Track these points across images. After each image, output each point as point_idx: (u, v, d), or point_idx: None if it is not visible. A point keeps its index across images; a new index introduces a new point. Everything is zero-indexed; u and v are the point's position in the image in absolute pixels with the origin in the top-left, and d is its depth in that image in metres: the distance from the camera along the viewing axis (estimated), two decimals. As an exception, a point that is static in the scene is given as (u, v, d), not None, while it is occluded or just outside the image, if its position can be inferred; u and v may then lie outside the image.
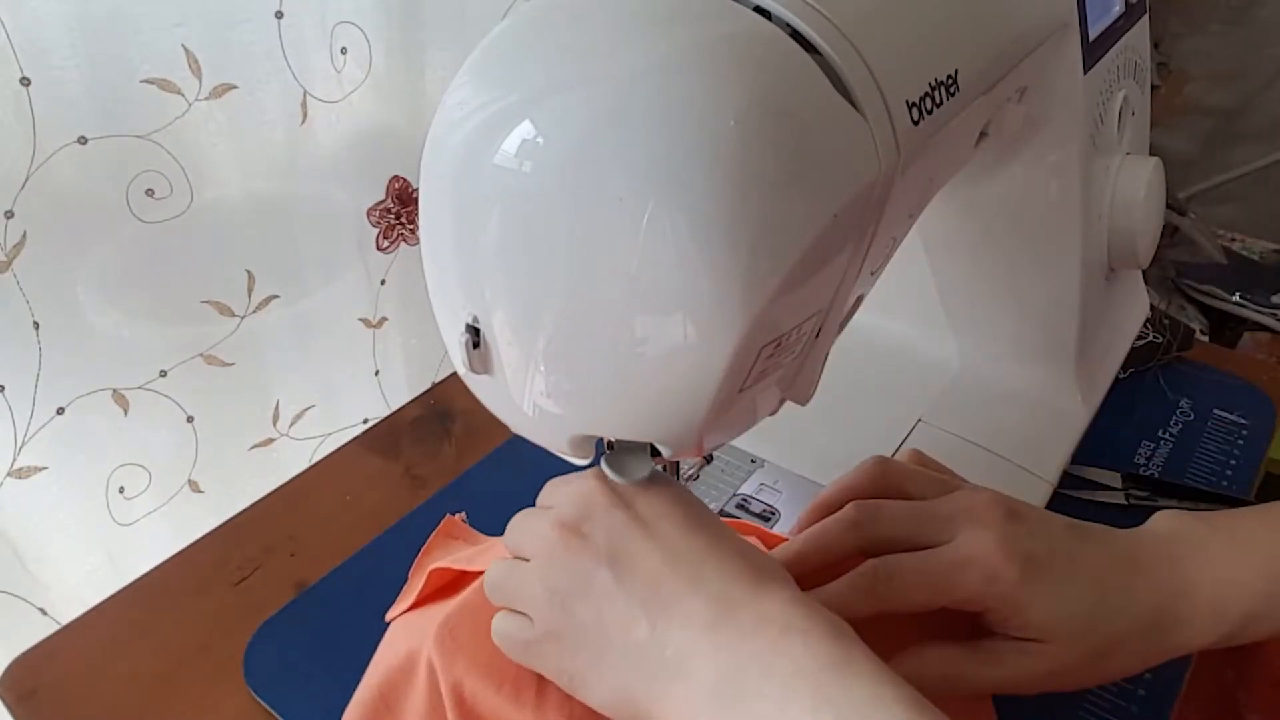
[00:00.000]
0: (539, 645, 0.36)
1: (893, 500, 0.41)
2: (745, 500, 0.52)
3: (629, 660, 0.34)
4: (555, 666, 0.36)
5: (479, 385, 0.35)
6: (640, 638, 0.33)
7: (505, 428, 0.36)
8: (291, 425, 0.85)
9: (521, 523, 0.39)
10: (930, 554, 0.39)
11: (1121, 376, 0.64)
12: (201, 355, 0.75)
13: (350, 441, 0.67)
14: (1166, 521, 0.41)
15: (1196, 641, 0.39)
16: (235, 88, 0.68)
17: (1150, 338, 0.68)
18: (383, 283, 0.87)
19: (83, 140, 0.61)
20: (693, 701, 0.32)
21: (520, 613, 0.37)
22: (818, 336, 0.35)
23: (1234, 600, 0.38)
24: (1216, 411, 0.67)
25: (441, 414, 0.69)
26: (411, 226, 0.86)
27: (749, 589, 0.33)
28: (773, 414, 0.38)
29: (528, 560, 0.37)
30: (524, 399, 0.34)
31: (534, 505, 0.40)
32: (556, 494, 0.39)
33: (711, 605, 0.33)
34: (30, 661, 0.51)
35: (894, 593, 0.38)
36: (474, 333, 0.32)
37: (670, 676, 0.33)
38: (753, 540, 0.43)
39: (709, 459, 0.47)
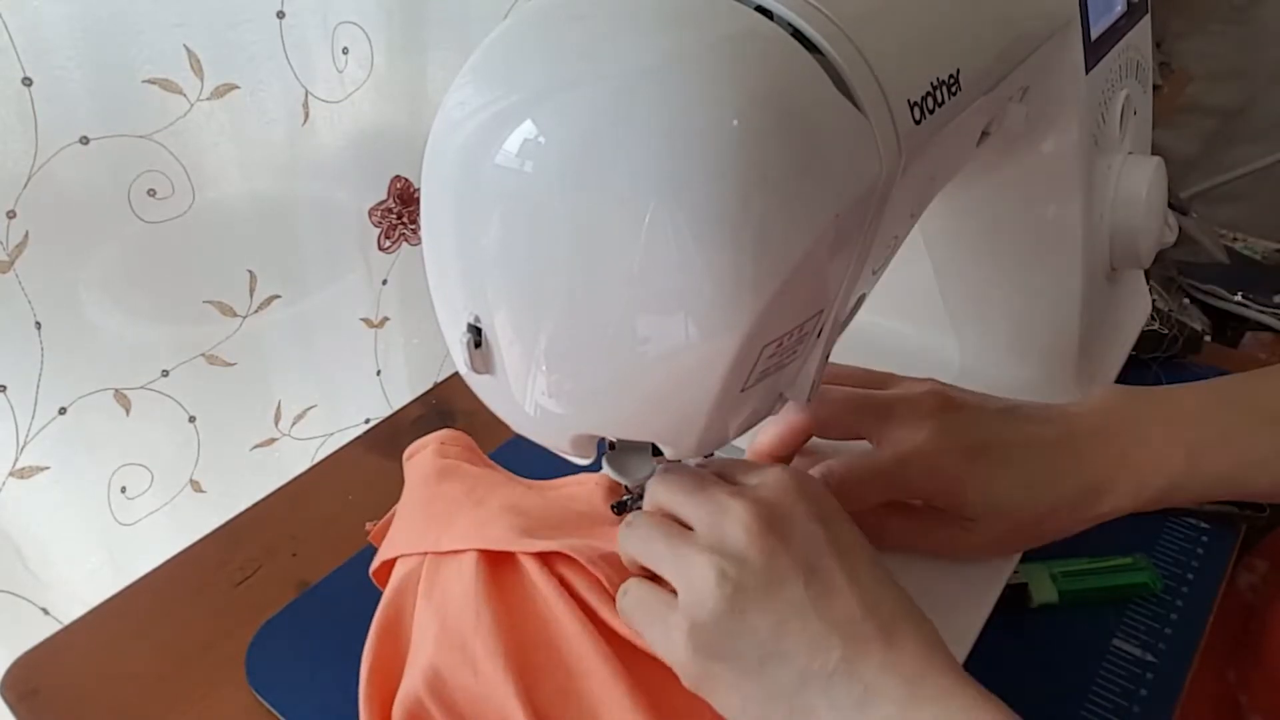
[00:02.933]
0: (676, 621, 0.34)
1: (837, 386, 0.44)
2: (747, 500, 0.51)
3: (808, 682, 0.32)
4: (685, 659, 0.34)
5: (480, 385, 0.35)
6: (832, 665, 0.32)
7: (507, 427, 0.36)
8: (293, 425, 0.85)
9: (696, 488, 0.36)
10: (873, 457, 0.42)
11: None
12: (203, 355, 0.75)
13: (352, 441, 0.67)
14: (1105, 396, 0.43)
15: (1119, 509, 0.41)
16: (237, 88, 0.68)
17: (1156, 328, 0.68)
18: (384, 282, 0.87)
19: (85, 140, 0.61)
20: None
21: (652, 581, 0.35)
22: (819, 336, 0.35)
23: (1159, 472, 0.40)
24: (1218, 411, 0.67)
25: (443, 414, 0.69)
26: (413, 226, 0.86)
27: (941, 655, 0.33)
28: (774, 414, 0.38)
29: (690, 532, 0.35)
30: (525, 399, 0.34)
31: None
32: (746, 476, 0.37)
33: (907, 661, 0.32)
34: (32, 661, 0.51)
35: (846, 497, 0.38)
36: (475, 332, 0.32)
37: (854, 708, 0.32)
38: None
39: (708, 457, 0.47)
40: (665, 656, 0.35)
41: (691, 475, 0.37)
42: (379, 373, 0.92)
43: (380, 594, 0.46)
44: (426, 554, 0.43)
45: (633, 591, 0.37)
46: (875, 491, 0.42)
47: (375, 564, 0.46)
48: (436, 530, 0.43)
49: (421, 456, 0.49)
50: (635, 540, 0.36)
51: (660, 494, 0.37)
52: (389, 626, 0.43)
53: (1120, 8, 0.52)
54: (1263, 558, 0.54)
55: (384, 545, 0.47)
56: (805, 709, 0.32)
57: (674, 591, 0.34)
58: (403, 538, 0.45)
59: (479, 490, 0.44)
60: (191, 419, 0.77)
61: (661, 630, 0.35)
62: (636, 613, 0.36)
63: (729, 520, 0.34)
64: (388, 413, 0.73)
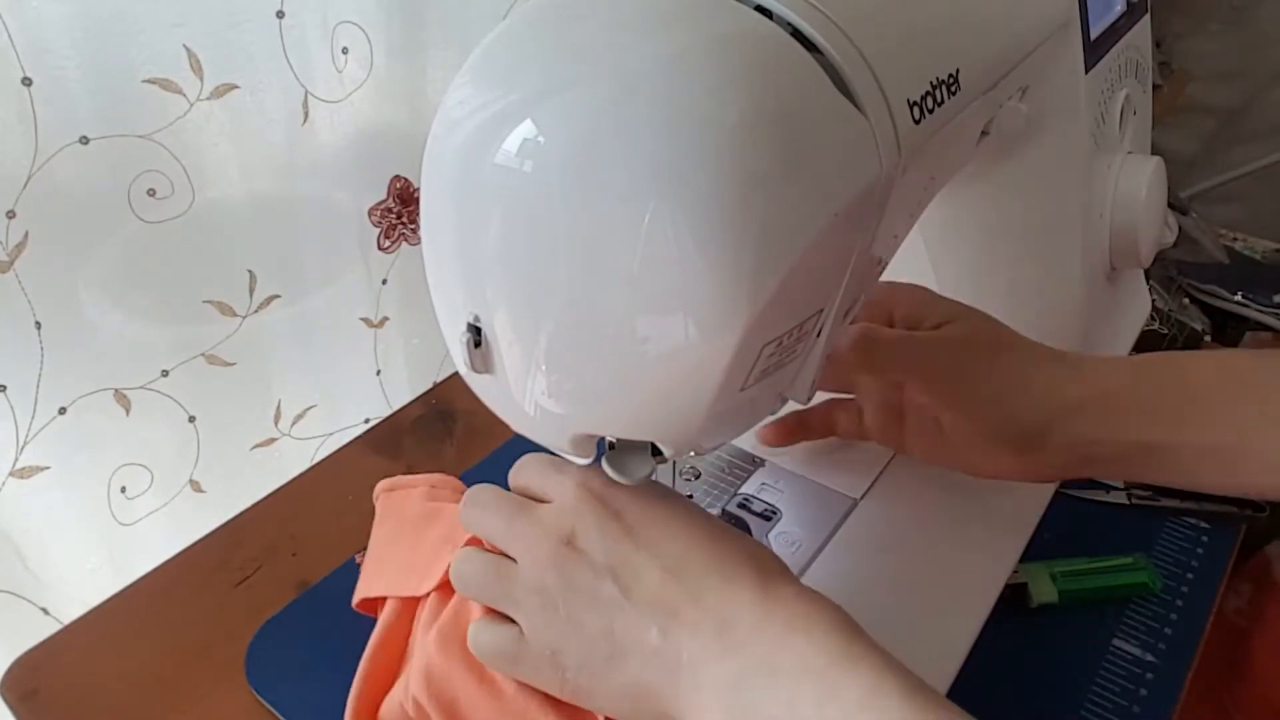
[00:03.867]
0: (533, 656, 0.36)
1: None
2: (747, 500, 0.52)
3: (644, 664, 0.34)
4: (553, 676, 0.36)
5: (480, 385, 0.35)
6: (654, 643, 0.34)
7: (507, 427, 0.36)
8: (293, 425, 0.85)
9: (502, 516, 0.38)
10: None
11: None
12: (203, 355, 0.75)
13: (352, 441, 0.67)
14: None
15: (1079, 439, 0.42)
16: (237, 87, 0.68)
17: (1156, 327, 0.68)
18: (384, 282, 0.87)
19: (84, 140, 0.61)
20: (708, 703, 0.33)
21: (503, 618, 0.37)
22: (819, 335, 0.35)
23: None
24: (1218, 411, 0.67)
25: (443, 414, 0.69)
26: (413, 226, 0.86)
27: (749, 590, 0.34)
28: (774, 413, 0.38)
29: (510, 559, 0.37)
30: (525, 398, 0.34)
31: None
32: (532, 481, 0.39)
33: (713, 613, 0.34)
34: (32, 661, 0.51)
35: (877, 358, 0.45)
36: (475, 332, 0.32)
37: (685, 679, 0.34)
38: None
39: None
40: (538, 682, 0.37)
41: (494, 503, 0.39)
42: (379, 372, 0.92)
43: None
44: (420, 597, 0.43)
45: (478, 636, 0.38)
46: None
47: (358, 598, 0.47)
48: (417, 578, 0.44)
49: (409, 495, 0.48)
50: (469, 584, 0.38)
51: (474, 526, 0.39)
52: (382, 651, 0.43)
53: (1120, 7, 0.52)
54: (1248, 580, 0.54)
55: (365, 578, 0.47)
56: (654, 691, 0.34)
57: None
58: (387, 578, 0.45)
59: (457, 535, 0.44)
60: (191, 419, 0.77)
61: (514, 662, 0.37)
62: (492, 658, 0.38)
63: (538, 556, 0.36)
64: (387, 412, 0.73)
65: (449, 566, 0.40)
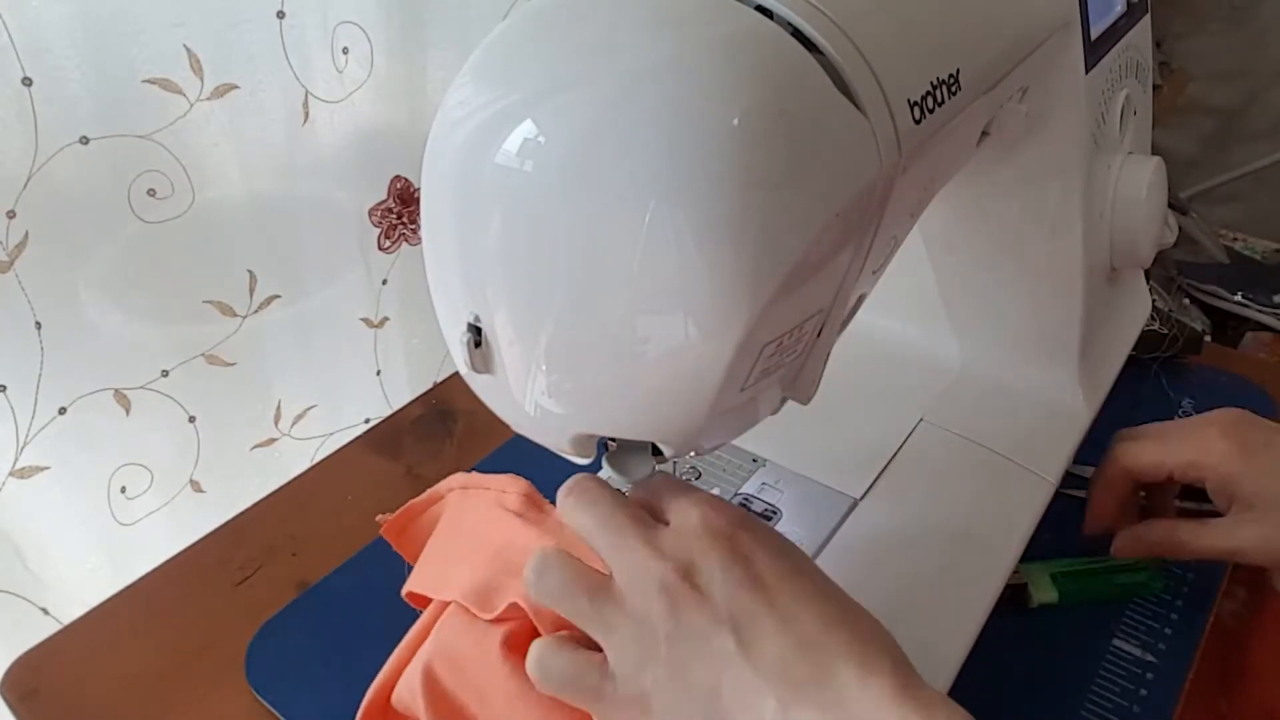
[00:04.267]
0: (618, 697, 0.32)
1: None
2: (747, 500, 0.52)
3: None
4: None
5: (480, 385, 0.35)
6: (768, 716, 0.30)
7: (507, 427, 0.36)
8: (293, 425, 0.85)
9: (609, 519, 0.34)
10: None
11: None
12: (203, 355, 0.75)
13: (352, 441, 0.67)
14: None
15: None
16: (237, 88, 0.68)
17: (1156, 327, 0.68)
18: (384, 282, 0.87)
19: (84, 140, 0.61)
20: None
21: (581, 643, 0.34)
22: (819, 336, 0.35)
23: None
24: (1219, 411, 0.67)
25: (443, 414, 0.69)
26: (413, 226, 0.86)
27: (888, 685, 0.30)
28: (774, 413, 0.38)
29: (611, 583, 0.33)
30: (525, 398, 0.34)
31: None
32: (652, 496, 0.35)
33: (846, 704, 0.30)
34: (32, 661, 0.51)
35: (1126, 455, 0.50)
36: (475, 332, 0.32)
37: None
38: None
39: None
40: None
41: (607, 507, 0.35)
42: (379, 372, 0.92)
43: (385, 604, 0.46)
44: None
45: (550, 660, 0.34)
46: (1151, 455, 0.49)
47: (407, 589, 0.45)
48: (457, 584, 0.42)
49: (480, 498, 0.45)
50: (552, 592, 0.34)
51: (576, 522, 0.35)
52: (407, 647, 0.43)
53: (1120, 7, 0.52)
54: (1242, 584, 0.54)
55: (417, 574, 0.45)
56: None
57: (594, 646, 0.33)
58: (431, 578, 0.44)
59: (512, 551, 0.42)
60: (191, 419, 0.77)
61: (594, 698, 0.33)
62: (565, 688, 0.33)
63: (647, 583, 0.32)
64: (388, 413, 0.73)
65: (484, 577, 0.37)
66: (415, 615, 0.45)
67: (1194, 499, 0.54)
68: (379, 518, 0.46)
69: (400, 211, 0.85)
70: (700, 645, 0.31)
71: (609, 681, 0.32)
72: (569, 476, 0.38)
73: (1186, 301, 1.17)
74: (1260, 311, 1.24)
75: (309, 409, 0.86)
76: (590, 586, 0.33)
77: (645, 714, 0.32)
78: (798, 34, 0.29)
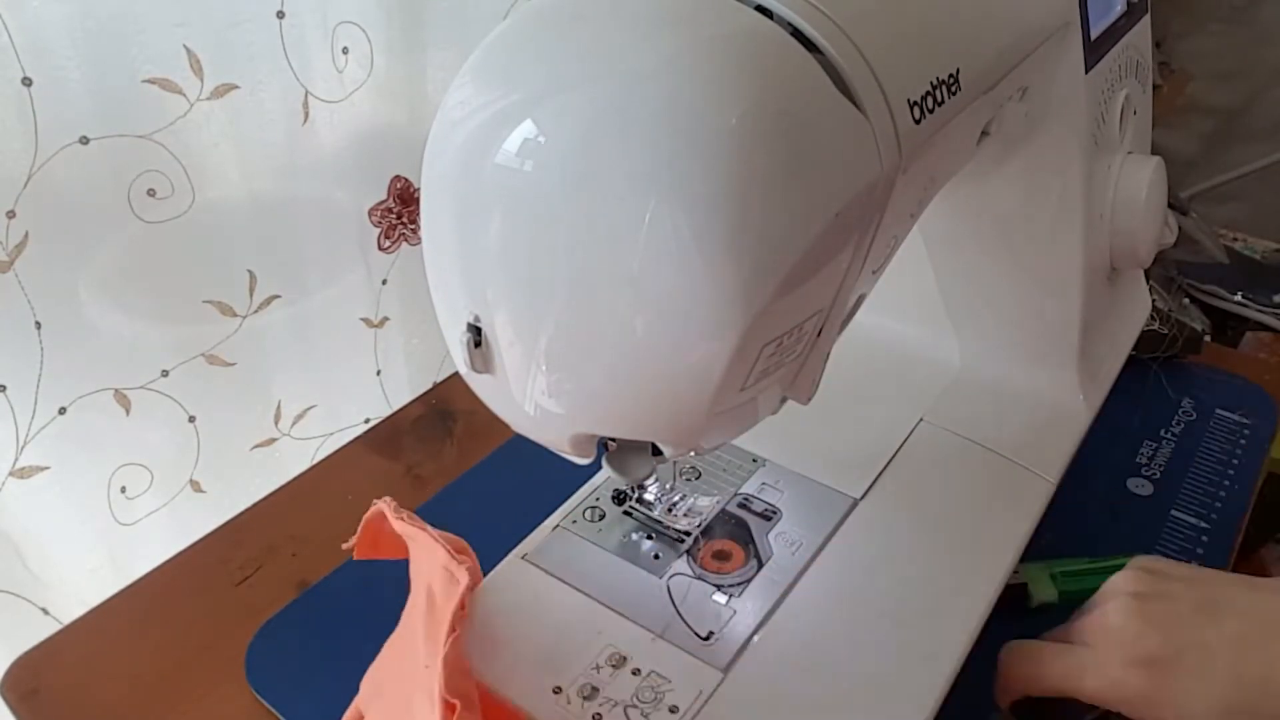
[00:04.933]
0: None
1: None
2: (747, 500, 0.52)
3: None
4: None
5: (480, 385, 0.35)
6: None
7: (507, 427, 0.36)
8: (293, 425, 0.85)
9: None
10: (1057, 654, 0.41)
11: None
12: (203, 355, 0.75)
13: (352, 441, 0.67)
14: None
15: None
16: (237, 88, 0.68)
17: (1156, 327, 0.68)
18: (384, 282, 0.87)
19: (84, 140, 0.61)
20: None
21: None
22: (819, 336, 0.35)
23: None
24: (1219, 411, 0.67)
25: (443, 414, 0.69)
26: (413, 226, 0.86)
27: None
28: (774, 413, 0.38)
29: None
30: (525, 398, 0.34)
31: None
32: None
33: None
34: (32, 661, 0.51)
35: (1022, 681, 0.42)
36: (475, 332, 0.32)
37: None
38: None
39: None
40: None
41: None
42: (379, 372, 0.92)
43: (385, 604, 0.46)
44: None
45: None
46: (1053, 684, 0.41)
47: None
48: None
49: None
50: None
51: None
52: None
53: (1120, 7, 0.52)
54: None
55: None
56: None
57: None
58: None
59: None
60: (191, 419, 0.77)
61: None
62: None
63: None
64: (388, 412, 0.73)
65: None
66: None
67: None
68: (345, 546, 0.47)
69: (400, 211, 0.85)
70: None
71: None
72: (569, 477, 0.38)
73: (1186, 301, 1.17)
74: (1260, 311, 1.24)
75: (309, 409, 0.86)
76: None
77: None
78: (798, 34, 0.29)
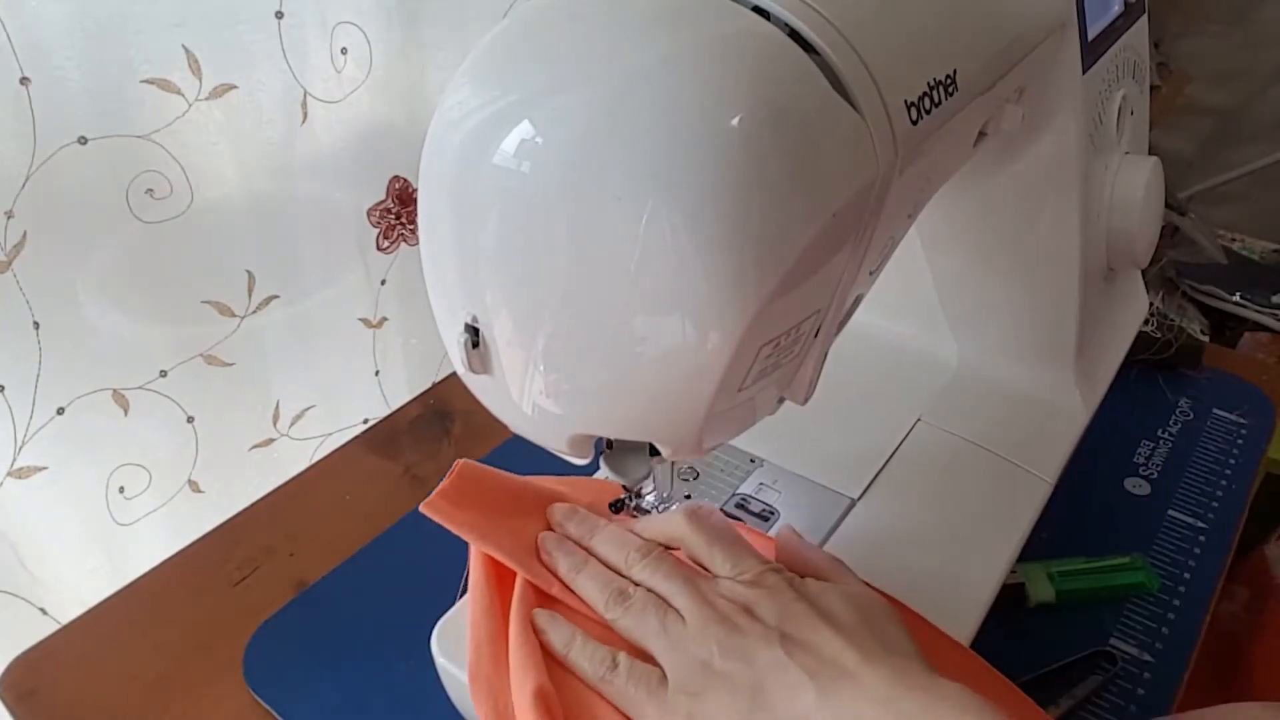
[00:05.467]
0: (666, 703, 0.36)
1: None
2: (744, 500, 0.52)
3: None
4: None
5: (478, 385, 0.35)
6: (804, 706, 0.34)
7: (505, 427, 0.36)
8: (291, 425, 0.85)
9: (680, 573, 0.39)
10: None
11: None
12: (202, 355, 0.75)
13: (350, 441, 0.67)
14: None
15: None
16: (235, 88, 0.68)
17: (1151, 329, 0.68)
18: (383, 283, 0.87)
19: (83, 140, 0.61)
20: None
21: (645, 659, 0.37)
22: (816, 336, 0.35)
23: None
24: (1216, 411, 0.67)
25: (441, 414, 0.69)
26: (412, 226, 0.86)
27: (924, 672, 0.34)
28: (772, 414, 0.38)
29: (673, 609, 0.38)
30: (523, 399, 0.34)
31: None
32: (731, 560, 0.39)
33: (888, 681, 0.33)
34: (30, 661, 0.51)
35: None
36: (473, 333, 0.32)
37: None
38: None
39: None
40: None
41: (674, 564, 0.39)
42: (377, 373, 0.92)
43: (384, 604, 0.45)
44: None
45: (622, 676, 0.38)
46: None
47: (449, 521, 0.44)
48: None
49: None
50: (631, 617, 0.38)
51: (646, 578, 0.39)
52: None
53: (1117, 8, 0.52)
54: (1243, 584, 0.54)
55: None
56: None
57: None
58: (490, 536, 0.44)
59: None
60: (190, 419, 0.77)
61: (650, 705, 0.37)
62: (623, 693, 0.37)
63: (711, 613, 0.37)
64: (386, 413, 0.73)
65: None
66: (410, 617, 0.44)
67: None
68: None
69: (399, 212, 0.85)
70: (745, 658, 0.35)
71: (663, 689, 0.36)
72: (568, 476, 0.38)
73: (1184, 302, 1.17)
74: (1258, 312, 1.24)
75: (307, 409, 0.86)
76: (657, 620, 0.38)
77: (691, 717, 0.35)
78: (795, 35, 0.30)
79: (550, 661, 0.39)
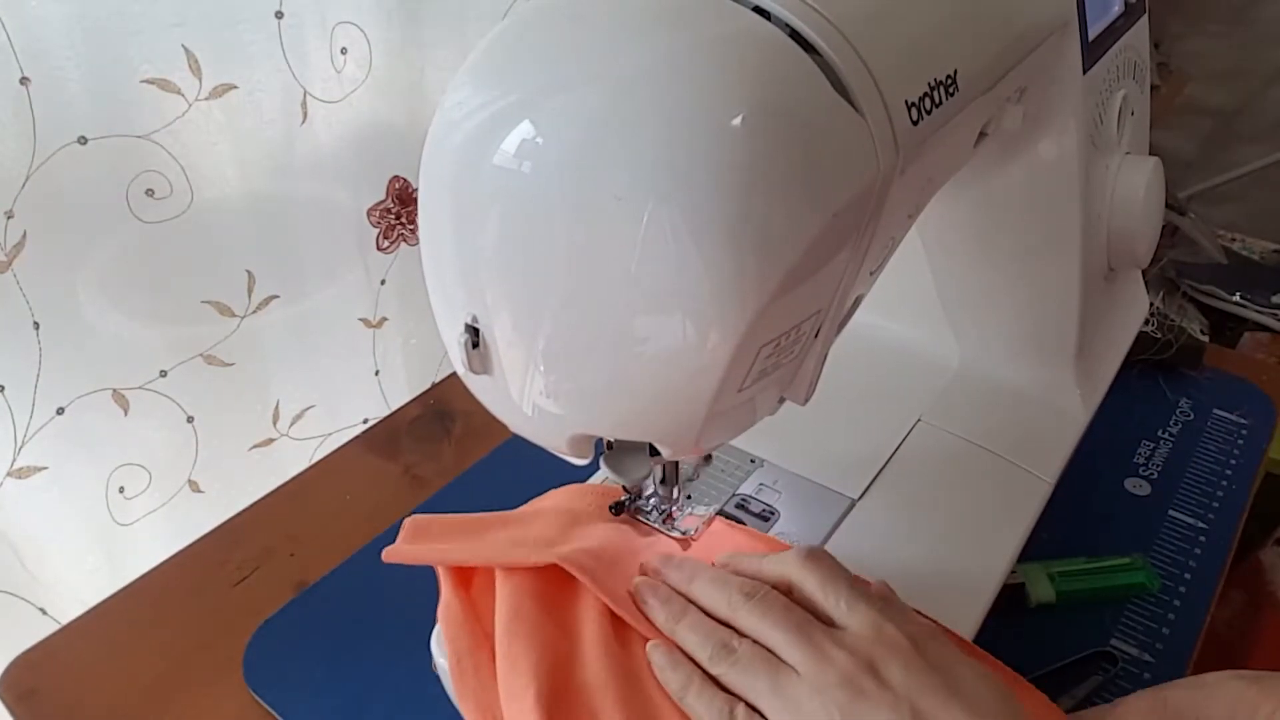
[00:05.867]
0: None
1: None
2: (744, 500, 0.52)
3: None
4: None
5: (478, 385, 0.35)
6: None
7: (505, 428, 0.36)
8: (291, 425, 0.85)
9: (796, 628, 0.36)
10: None
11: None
12: (201, 355, 0.75)
13: (350, 441, 0.67)
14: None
15: None
16: (235, 88, 0.68)
17: (1151, 329, 0.68)
18: (383, 283, 0.87)
19: (83, 140, 0.61)
20: None
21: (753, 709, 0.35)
22: (817, 336, 0.35)
23: None
24: (1216, 411, 0.67)
25: (441, 414, 0.69)
26: (412, 227, 0.86)
27: None
28: (772, 414, 0.38)
29: (785, 664, 0.35)
30: (523, 399, 0.34)
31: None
32: (846, 604, 0.37)
33: None
34: (30, 661, 0.51)
35: None
36: (473, 333, 0.32)
37: None
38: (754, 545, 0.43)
39: (708, 459, 0.47)
40: None
41: (785, 609, 0.37)
42: (377, 373, 0.92)
43: (383, 604, 0.45)
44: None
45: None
46: None
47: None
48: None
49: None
50: (739, 673, 0.36)
51: (754, 625, 0.37)
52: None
53: (1118, 8, 0.52)
54: (1240, 589, 0.54)
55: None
56: None
57: None
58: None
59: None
60: (190, 419, 0.77)
61: None
62: None
63: (832, 670, 0.34)
64: (386, 413, 0.73)
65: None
66: (410, 617, 0.44)
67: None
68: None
69: (399, 212, 0.85)
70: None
71: None
72: (567, 478, 0.38)
73: (1184, 302, 1.17)
74: (1258, 312, 1.24)
75: (307, 409, 0.86)
76: (773, 677, 0.35)
77: None
78: (795, 35, 0.30)
79: (559, 669, 0.38)
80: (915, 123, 0.32)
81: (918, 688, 0.34)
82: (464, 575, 0.43)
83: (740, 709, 0.35)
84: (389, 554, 0.43)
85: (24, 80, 0.57)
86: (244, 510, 0.61)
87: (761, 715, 0.35)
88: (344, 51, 0.74)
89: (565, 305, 0.30)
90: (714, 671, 0.36)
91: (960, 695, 0.34)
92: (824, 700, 0.33)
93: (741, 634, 0.37)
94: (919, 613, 0.40)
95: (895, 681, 0.34)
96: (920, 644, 0.35)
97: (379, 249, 0.86)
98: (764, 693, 0.35)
